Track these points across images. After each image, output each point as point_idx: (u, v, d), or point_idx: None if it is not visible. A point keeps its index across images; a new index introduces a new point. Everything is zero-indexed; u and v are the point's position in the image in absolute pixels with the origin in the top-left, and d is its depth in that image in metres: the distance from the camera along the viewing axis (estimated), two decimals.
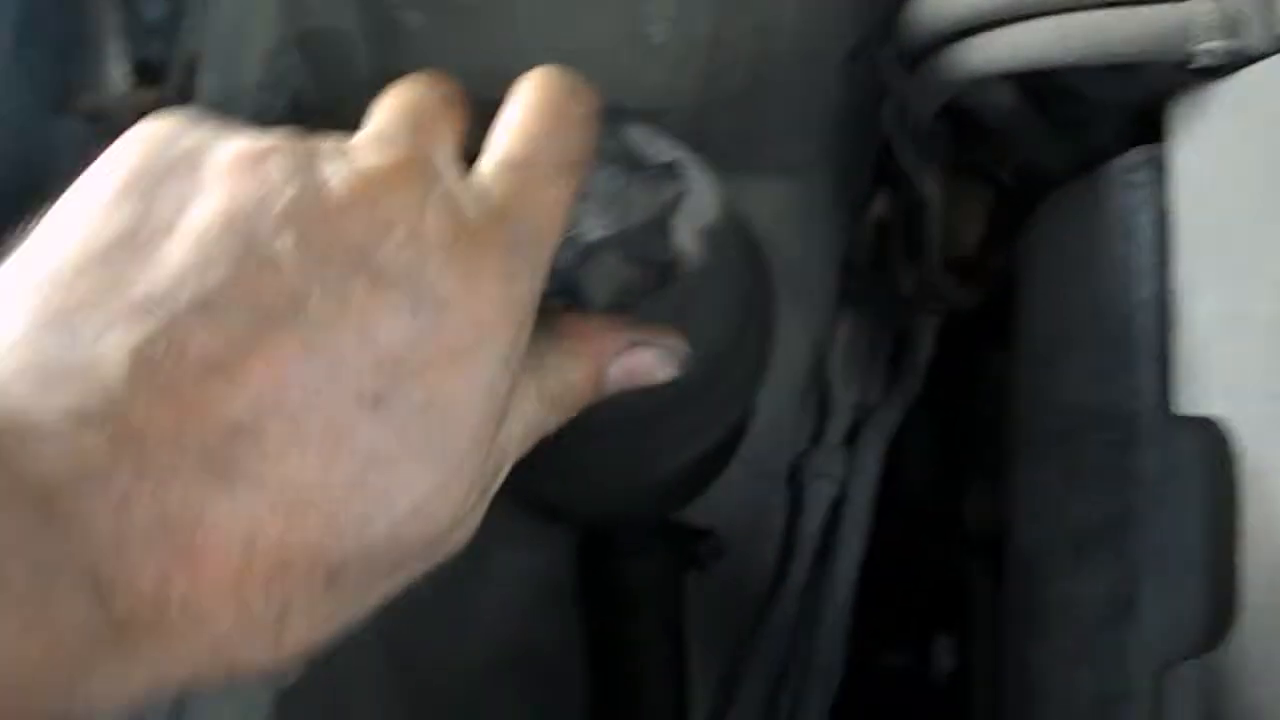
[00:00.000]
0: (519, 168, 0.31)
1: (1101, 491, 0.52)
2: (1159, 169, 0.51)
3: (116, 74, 0.46)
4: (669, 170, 0.40)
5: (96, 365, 0.24)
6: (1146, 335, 0.50)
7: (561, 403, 0.34)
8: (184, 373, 0.25)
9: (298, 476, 0.25)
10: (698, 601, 0.72)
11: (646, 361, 0.37)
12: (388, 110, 0.32)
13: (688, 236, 0.45)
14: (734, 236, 0.48)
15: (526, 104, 0.33)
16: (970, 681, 0.67)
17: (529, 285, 0.30)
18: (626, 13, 0.56)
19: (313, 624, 0.27)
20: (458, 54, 0.60)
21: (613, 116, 0.36)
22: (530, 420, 0.33)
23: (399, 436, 0.26)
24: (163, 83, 0.48)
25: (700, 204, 0.47)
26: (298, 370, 0.26)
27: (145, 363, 0.24)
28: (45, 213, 0.29)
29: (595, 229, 0.37)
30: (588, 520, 0.61)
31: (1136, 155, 0.53)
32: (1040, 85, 0.62)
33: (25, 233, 0.28)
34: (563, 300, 0.38)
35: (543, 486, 0.53)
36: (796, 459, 0.79)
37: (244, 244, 0.26)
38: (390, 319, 0.27)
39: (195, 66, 0.49)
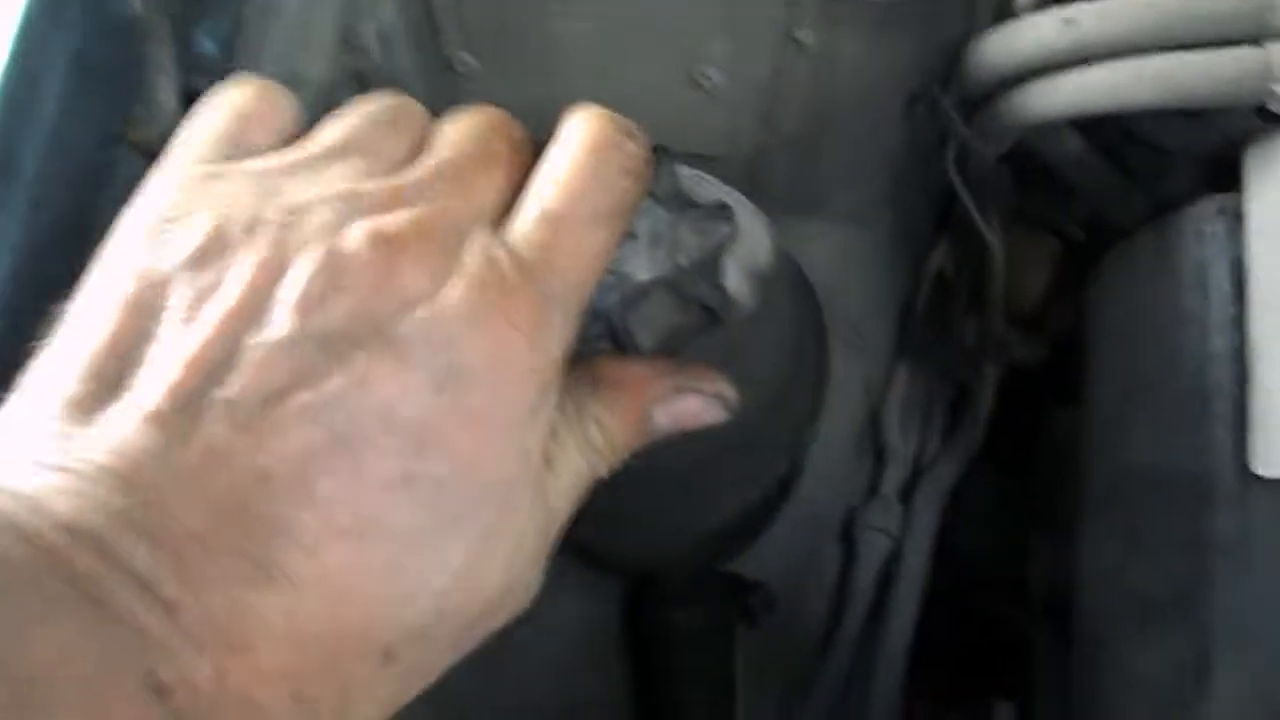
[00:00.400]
0: (557, 220, 0.30)
1: (1170, 557, 0.49)
2: (1234, 218, 0.49)
3: (169, 107, 0.46)
4: (719, 211, 0.39)
5: (128, 466, 0.24)
6: (1221, 392, 0.48)
7: (606, 451, 0.33)
8: (209, 472, 0.24)
9: (335, 567, 0.25)
10: (748, 654, 0.70)
11: (693, 407, 0.35)
12: (434, 152, 0.31)
13: (738, 279, 0.44)
14: (786, 280, 0.46)
15: (570, 148, 0.31)
16: None
17: (558, 340, 0.29)
18: (682, 56, 0.55)
19: (378, 704, 0.27)
20: (509, 97, 0.60)
21: (661, 157, 0.35)
22: (576, 471, 0.32)
23: (429, 512, 0.26)
24: None
25: (751, 247, 0.45)
26: (324, 462, 0.25)
27: (173, 465, 0.24)
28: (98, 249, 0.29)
29: (642, 269, 0.36)
30: (636, 569, 0.59)
31: (1210, 204, 0.51)
32: (1109, 133, 0.60)
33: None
34: (607, 343, 0.36)
35: (591, 534, 0.52)
36: (850, 511, 0.77)
37: (262, 329, 0.26)
38: (414, 395, 0.26)
39: None
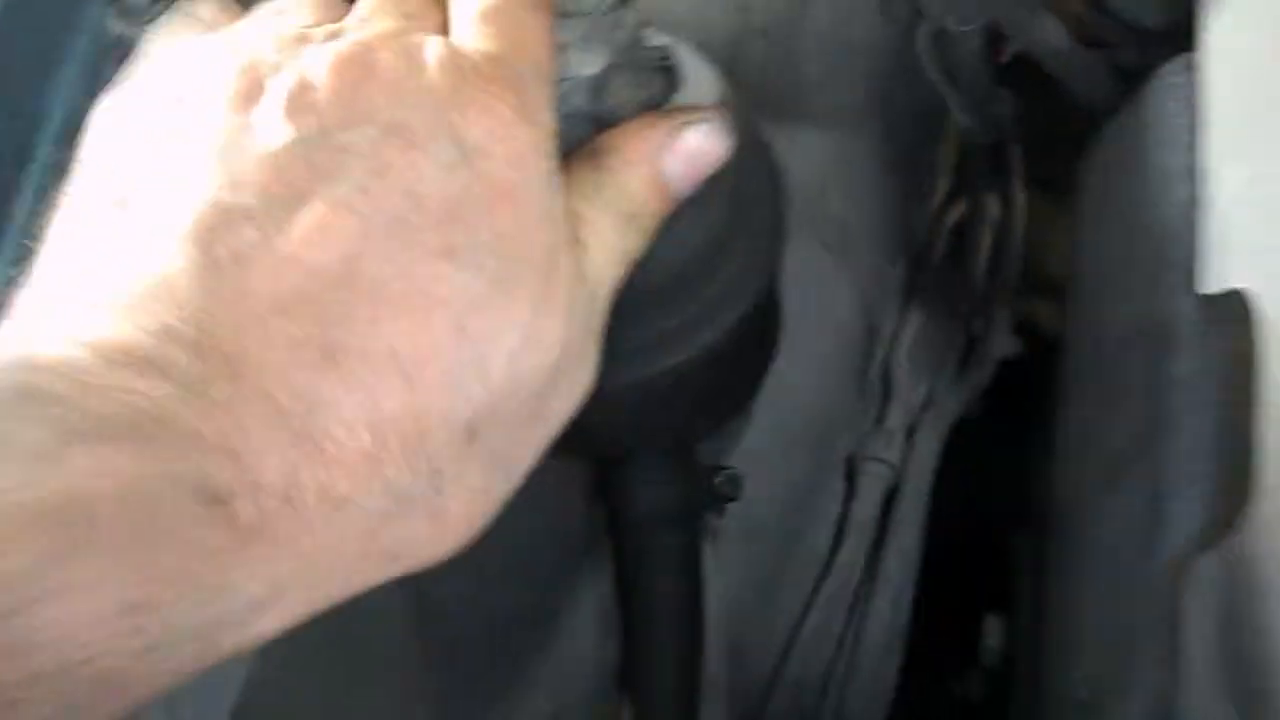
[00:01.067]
0: (490, 17, 0.31)
1: (1135, 409, 0.48)
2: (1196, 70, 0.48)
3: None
4: (662, 71, 0.41)
5: (165, 281, 0.25)
6: (1181, 238, 0.47)
7: (635, 219, 0.33)
8: (250, 277, 0.25)
9: (399, 341, 0.25)
10: (744, 588, 0.69)
11: (698, 140, 0.36)
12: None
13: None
14: (735, 120, 0.47)
15: None
16: (1015, 656, 0.62)
17: (545, 110, 0.30)
18: None
19: (472, 492, 0.27)
20: None
21: None
22: (611, 245, 0.32)
23: (481, 276, 0.27)
24: None
25: (699, 91, 0.46)
26: (361, 240, 0.26)
27: (210, 270, 0.25)
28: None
29: (588, 65, 0.37)
30: (600, 442, 0.59)
31: (1177, 63, 0.50)
32: (1092, 27, 0.60)
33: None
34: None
35: None
36: (854, 443, 0.76)
37: (259, 142, 0.27)
38: (431, 174, 0.27)
39: None
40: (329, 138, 0.27)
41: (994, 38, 0.58)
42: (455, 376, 0.26)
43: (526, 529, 0.65)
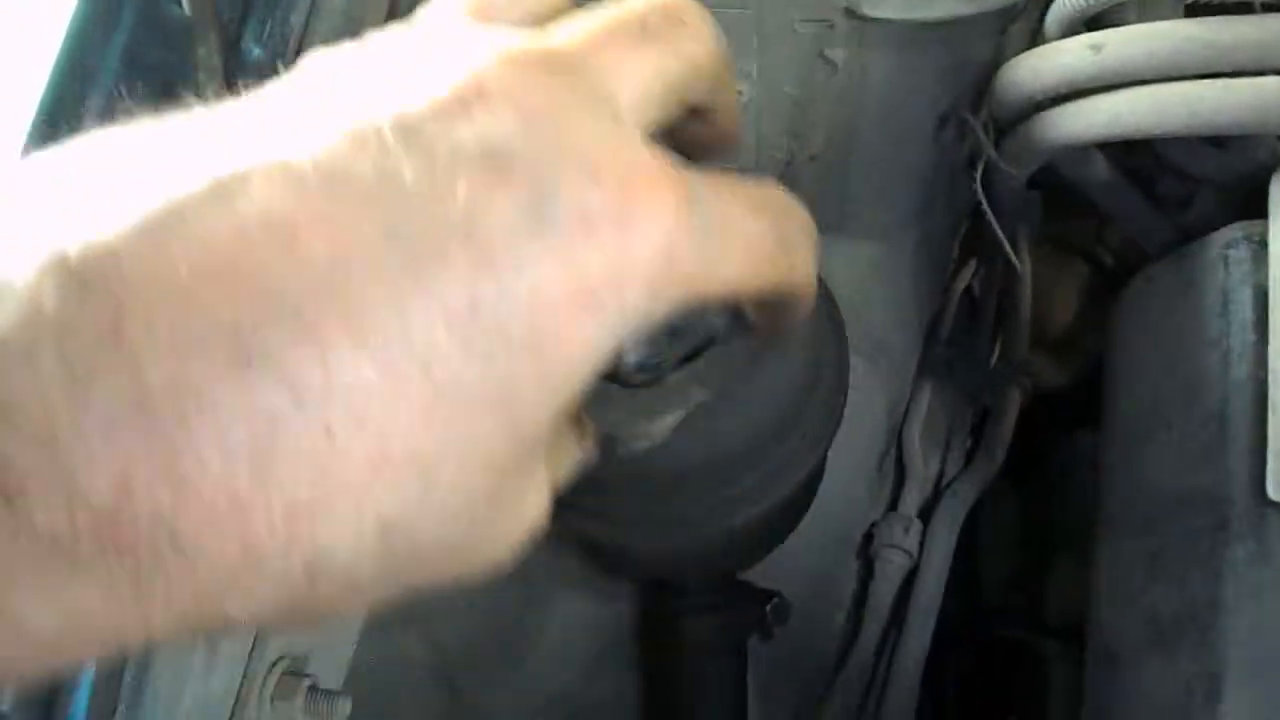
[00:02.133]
0: (580, 26, 0.25)
1: (1186, 578, 0.49)
2: (1260, 245, 0.49)
3: None
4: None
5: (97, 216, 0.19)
6: (1240, 419, 0.48)
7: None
8: (230, 229, 0.19)
9: (353, 382, 0.19)
10: (764, 665, 0.71)
11: None
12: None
13: None
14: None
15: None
16: None
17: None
18: None
19: (352, 588, 0.21)
20: None
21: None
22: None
23: (483, 372, 0.20)
24: None
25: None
26: (371, 245, 0.20)
27: (165, 220, 0.19)
28: None
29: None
30: (651, 575, 0.60)
31: (1235, 230, 0.51)
32: (1137, 158, 0.60)
33: None
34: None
35: (607, 537, 0.53)
36: (870, 528, 0.77)
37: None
38: (504, 207, 0.21)
39: None
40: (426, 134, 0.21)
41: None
42: (394, 459, 0.20)
43: (571, 626, 0.66)
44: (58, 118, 0.44)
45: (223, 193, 0.19)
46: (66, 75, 0.44)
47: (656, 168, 0.23)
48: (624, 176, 0.22)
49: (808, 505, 0.58)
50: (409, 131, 0.21)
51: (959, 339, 0.88)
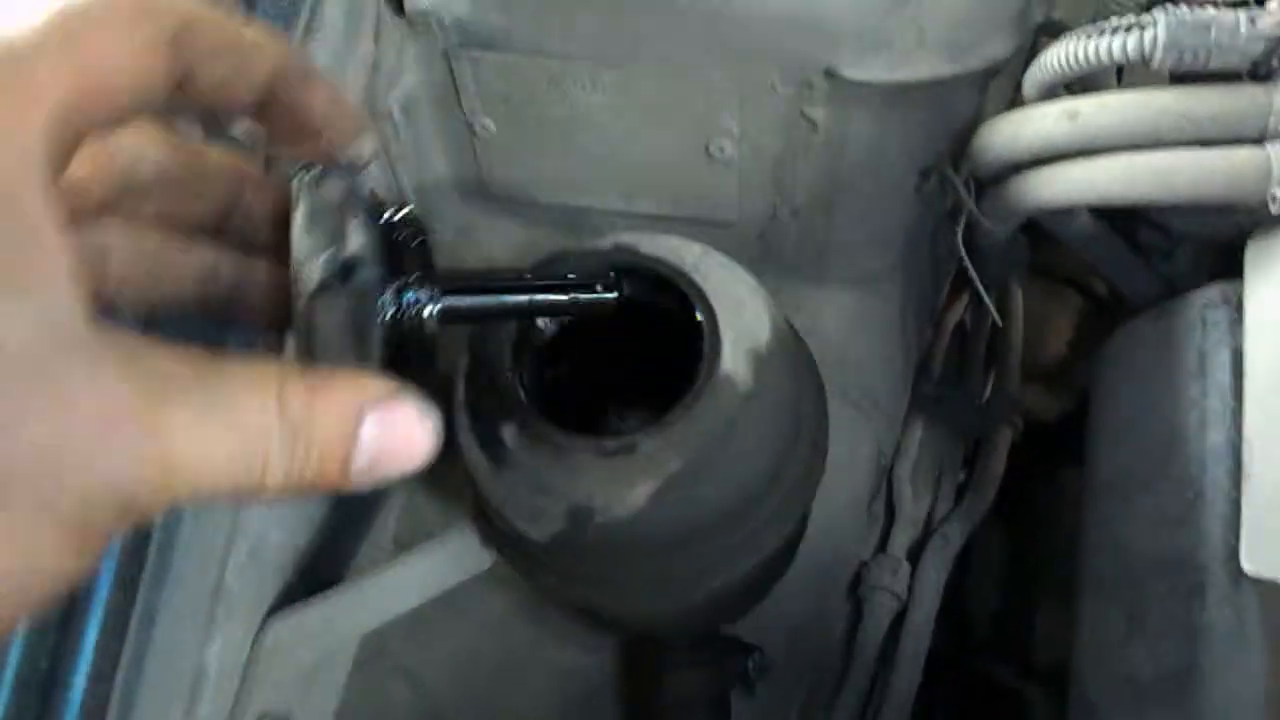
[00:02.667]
0: None
1: (1164, 641, 0.49)
2: (1237, 308, 0.49)
3: None
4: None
5: None
6: (1216, 486, 0.48)
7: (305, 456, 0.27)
8: None
9: None
10: (754, 707, 0.71)
11: (407, 419, 0.29)
12: None
13: (738, 359, 0.45)
14: (784, 356, 0.47)
15: None
16: None
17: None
18: (697, 129, 0.56)
19: None
20: (529, 161, 0.61)
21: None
22: (211, 467, 0.26)
23: None
24: None
25: (752, 326, 0.47)
26: None
27: None
28: None
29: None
30: (634, 630, 0.60)
31: (1214, 292, 0.51)
32: (1119, 211, 0.60)
33: None
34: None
35: (590, 596, 0.53)
36: (858, 568, 0.77)
37: None
38: None
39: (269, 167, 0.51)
40: None
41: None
42: None
43: (556, 675, 0.67)
44: None
45: None
46: None
47: None
48: None
49: (789, 561, 0.58)
50: None
51: (950, 376, 0.89)
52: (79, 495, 0.24)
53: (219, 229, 0.35)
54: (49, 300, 0.23)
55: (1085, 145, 0.48)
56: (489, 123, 0.59)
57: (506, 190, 0.64)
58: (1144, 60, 0.44)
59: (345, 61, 0.51)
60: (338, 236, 0.31)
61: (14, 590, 0.23)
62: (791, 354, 0.48)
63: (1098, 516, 0.57)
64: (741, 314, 0.46)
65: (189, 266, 0.34)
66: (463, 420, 0.46)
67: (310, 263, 0.31)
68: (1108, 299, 0.91)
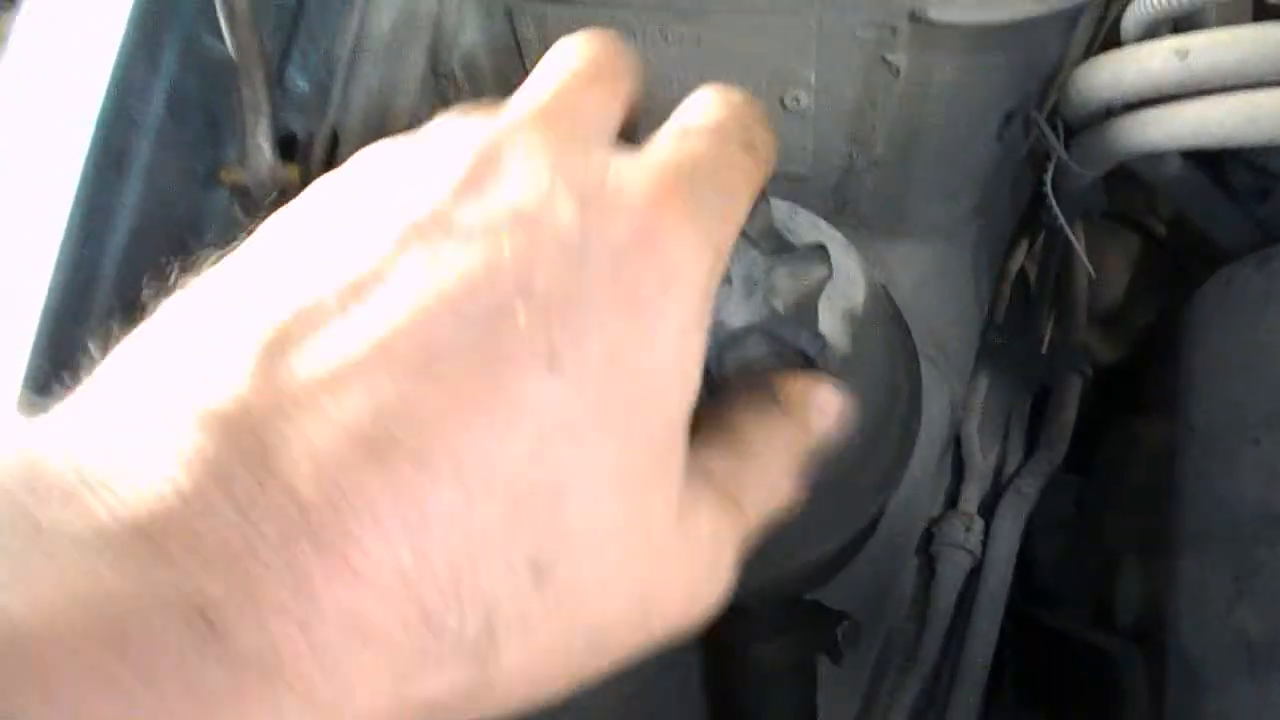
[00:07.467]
0: (695, 133, 0.27)
1: (1278, 602, 0.48)
2: None
3: (262, 148, 0.46)
4: (815, 253, 0.37)
5: (223, 367, 0.21)
6: None
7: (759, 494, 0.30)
8: (318, 345, 0.21)
9: (467, 446, 0.20)
10: (825, 670, 0.70)
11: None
12: (538, 83, 0.28)
13: (833, 321, 0.43)
14: (880, 317, 0.45)
15: (702, 99, 0.29)
16: None
17: (721, 230, 0.26)
18: (772, 79, 0.54)
19: (536, 649, 0.22)
20: None
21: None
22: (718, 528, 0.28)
23: (579, 397, 0.22)
24: (306, 158, 0.48)
25: (846, 288, 0.45)
26: (448, 321, 0.21)
27: (273, 345, 0.21)
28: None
29: (737, 316, 0.34)
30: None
31: None
32: (1212, 153, 0.58)
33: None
34: (703, 390, 0.35)
35: None
36: (930, 525, 0.76)
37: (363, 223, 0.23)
38: (548, 262, 0.22)
39: (338, 140, 0.49)
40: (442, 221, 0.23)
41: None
42: (525, 504, 0.21)
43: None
44: (106, 167, 0.42)
45: None
46: (112, 122, 0.42)
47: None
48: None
49: (877, 525, 0.56)
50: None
51: (1014, 323, 0.86)
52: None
53: None
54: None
55: (1196, 85, 0.45)
56: None
57: None
58: None
59: (410, 21, 0.49)
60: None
61: None
62: (887, 315, 0.47)
63: (1196, 469, 0.55)
64: (836, 278, 0.44)
65: None
66: None
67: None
68: (1168, 240, 0.88)
